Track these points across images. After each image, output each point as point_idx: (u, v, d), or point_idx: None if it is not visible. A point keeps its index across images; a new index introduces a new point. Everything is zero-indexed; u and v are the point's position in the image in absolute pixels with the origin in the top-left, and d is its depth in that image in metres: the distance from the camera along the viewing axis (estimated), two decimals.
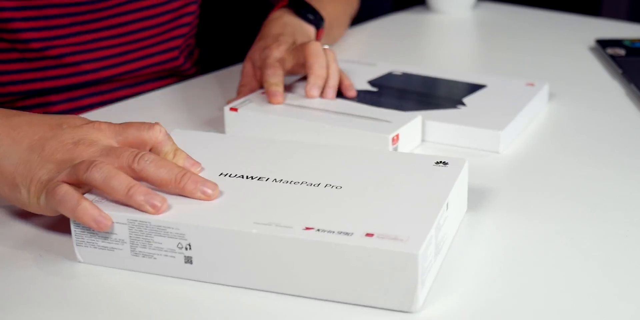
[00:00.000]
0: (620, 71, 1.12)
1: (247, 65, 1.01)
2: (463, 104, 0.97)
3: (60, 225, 0.75)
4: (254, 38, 1.06)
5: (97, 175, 0.67)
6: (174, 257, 0.67)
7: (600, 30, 1.32)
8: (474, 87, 1.02)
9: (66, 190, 0.67)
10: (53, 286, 0.67)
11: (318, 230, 0.64)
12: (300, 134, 0.90)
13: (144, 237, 0.67)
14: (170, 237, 0.66)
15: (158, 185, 0.69)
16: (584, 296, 0.66)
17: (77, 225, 0.68)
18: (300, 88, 0.99)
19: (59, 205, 0.67)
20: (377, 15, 1.43)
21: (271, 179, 0.72)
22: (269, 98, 0.93)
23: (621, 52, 1.19)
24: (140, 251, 0.67)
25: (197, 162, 0.73)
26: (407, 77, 1.05)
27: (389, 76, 1.06)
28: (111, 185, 0.67)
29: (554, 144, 0.93)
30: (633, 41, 1.23)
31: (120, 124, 0.73)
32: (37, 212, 0.72)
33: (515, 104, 0.96)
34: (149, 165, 0.68)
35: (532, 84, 1.02)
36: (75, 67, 1.08)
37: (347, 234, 0.63)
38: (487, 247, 0.73)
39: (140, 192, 0.66)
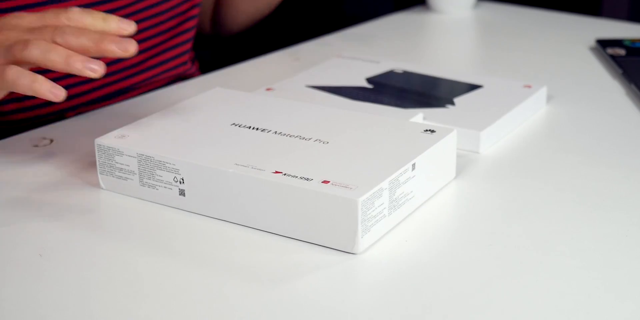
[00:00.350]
0: (620, 71, 1.12)
1: None
2: (452, 103, 0.97)
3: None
4: (251, 37, 1.05)
5: (34, 51, 0.71)
6: (171, 189, 0.77)
7: (600, 30, 1.32)
8: (471, 87, 1.02)
9: (17, 69, 0.72)
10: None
11: (284, 174, 0.73)
12: None
13: (149, 169, 0.78)
14: (168, 171, 0.77)
15: (82, 53, 0.73)
16: (583, 296, 0.66)
17: (101, 154, 0.80)
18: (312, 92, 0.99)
19: (14, 85, 0.72)
20: (378, 15, 1.44)
21: (272, 131, 0.81)
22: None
23: (621, 52, 1.19)
24: (146, 182, 0.78)
25: (131, 22, 0.75)
26: (407, 75, 1.05)
27: (390, 74, 1.06)
28: (50, 58, 0.71)
29: (550, 145, 0.93)
30: (633, 41, 1.23)
31: (38, 12, 0.76)
32: None
33: (504, 105, 0.96)
34: (70, 37, 0.72)
35: (529, 86, 1.02)
36: (89, 84, 1.06)
37: (307, 179, 0.72)
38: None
39: (78, 60, 0.71)
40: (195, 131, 0.81)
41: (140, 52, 1.10)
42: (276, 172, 0.73)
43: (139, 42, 1.09)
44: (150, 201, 0.79)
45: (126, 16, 1.07)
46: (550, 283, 0.68)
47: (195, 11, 1.16)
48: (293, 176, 0.72)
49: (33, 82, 0.71)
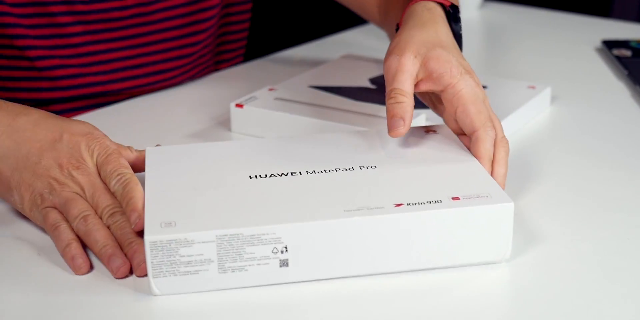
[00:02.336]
0: (625, 72, 1.12)
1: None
2: None
3: None
4: (256, 37, 1.03)
5: (81, 227, 0.71)
6: (267, 263, 0.66)
7: (608, 31, 1.31)
8: None
9: (63, 228, 0.71)
10: None
11: (408, 204, 0.67)
12: (305, 130, 0.90)
13: (234, 250, 0.65)
14: (265, 244, 0.65)
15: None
16: (585, 299, 0.66)
17: (155, 256, 0.65)
18: (300, 83, 0.98)
19: (51, 234, 0.72)
20: None
21: (303, 172, 0.73)
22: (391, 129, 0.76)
23: (627, 53, 1.18)
24: (229, 267, 0.66)
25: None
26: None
27: None
28: (90, 240, 0.70)
29: (553, 145, 0.93)
30: None
31: (106, 152, 0.74)
32: (27, 216, 0.75)
33: (508, 105, 0.96)
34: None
35: (533, 87, 1.01)
36: (81, 79, 1.04)
37: (437, 202, 0.68)
38: None
39: (108, 253, 0.69)
40: (236, 195, 0.70)
41: (136, 56, 1.07)
42: (397, 205, 0.67)
43: (139, 46, 1.07)
44: (233, 288, 0.67)
45: (131, 17, 1.05)
46: (548, 285, 0.67)
47: (209, 13, 1.12)
48: (420, 203, 0.67)
49: (67, 244, 0.70)
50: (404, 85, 0.75)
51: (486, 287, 0.68)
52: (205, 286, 0.66)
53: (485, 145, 0.75)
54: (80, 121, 0.76)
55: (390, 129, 0.74)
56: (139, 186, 0.71)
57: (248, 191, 0.70)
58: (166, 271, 0.65)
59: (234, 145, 0.79)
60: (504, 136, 0.76)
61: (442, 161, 0.75)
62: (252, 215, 0.67)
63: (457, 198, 0.68)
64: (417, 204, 0.67)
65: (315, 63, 1.16)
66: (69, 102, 1.06)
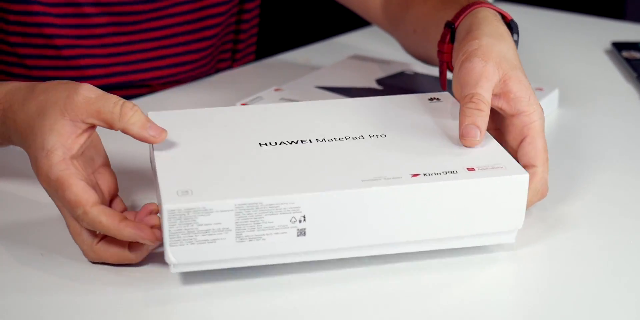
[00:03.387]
0: (635, 75, 1.11)
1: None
2: None
3: None
4: (263, 37, 1.03)
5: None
6: (285, 233, 0.66)
7: (619, 33, 1.30)
8: None
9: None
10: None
11: (425, 174, 0.67)
12: None
13: (253, 219, 0.65)
14: (283, 213, 0.65)
15: None
16: (583, 299, 0.66)
17: (173, 224, 0.64)
18: (306, 84, 0.98)
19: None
20: None
21: (312, 140, 0.73)
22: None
23: (637, 55, 1.17)
24: (247, 236, 0.65)
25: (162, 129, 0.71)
26: (417, 77, 1.05)
27: (400, 75, 1.05)
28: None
29: (560, 148, 0.92)
30: None
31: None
32: None
33: None
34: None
35: (540, 89, 1.01)
36: (106, 69, 1.06)
37: (453, 172, 0.68)
38: None
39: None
40: (249, 163, 0.70)
41: (159, 48, 1.09)
42: (414, 175, 0.67)
43: (161, 38, 1.08)
44: (249, 257, 0.67)
45: (155, 10, 1.06)
46: (549, 288, 0.67)
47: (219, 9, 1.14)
48: (436, 174, 0.68)
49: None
50: (487, 93, 0.73)
51: (489, 284, 0.68)
52: (222, 255, 0.66)
53: (540, 182, 0.74)
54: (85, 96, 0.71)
55: (464, 136, 0.71)
56: None
57: (260, 159, 0.70)
58: (183, 240, 0.64)
59: (239, 110, 0.79)
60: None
61: (451, 130, 0.74)
62: (270, 184, 0.66)
63: (472, 169, 0.68)
64: (433, 175, 0.67)
65: (322, 64, 1.15)
66: None
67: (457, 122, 0.74)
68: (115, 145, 0.77)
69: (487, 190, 0.68)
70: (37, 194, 0.73)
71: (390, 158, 0.70)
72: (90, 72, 1.05)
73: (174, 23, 1.08)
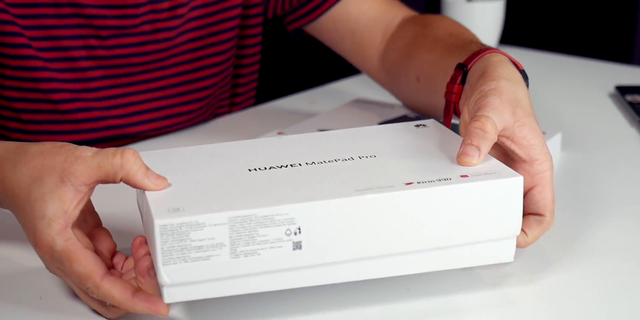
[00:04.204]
0: (638, 119, 1.11)
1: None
2: None
3: None
4: (267, 80, 1.03)
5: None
6: (281, 246, 0.64)
7: (623, 77, 1.30)
8: None
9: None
10: None
11: (418, 182, 0.67)
12: None
13: (247, 233, 0.64)
14: (278, 225, 0.64)
15: None
16: None
17: (165, 241, 0.63)
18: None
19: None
20: None
21: (302, 163, 0.72)
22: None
23: None
24: (242, 251, 0.64)
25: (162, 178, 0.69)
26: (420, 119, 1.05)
27: (403, 119, 1.05)
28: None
29: (562, 193, 0.91)
30: None
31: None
32: None
33: None
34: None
35: (543, 132, 1.00)
36: (102, 122, 1.06)
37: (446, 179, 0.67)
38: None
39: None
40: (240, 184, 0.69)
41: (155, 99, 1.08)
42: (407, 183, 0.67)
43: (157, 89, 1.07)
44: (245, 274, 0.65)
45: (152, 62, 1.06)
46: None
47: (216, 59, 1.13)
48: (429, 181, 0.67)
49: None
50: (497, 120, 0.72)
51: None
52: (217, 273, 0.64)
53: (544, 231, 0.74)
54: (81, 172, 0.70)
55: (463, 154, 0.70)
56: None
57: (251, 181, 0.69)
58: (176, 258, 0.63)
59: (226, 146, 0.78)
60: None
61: (441, 149, 0.74)
62: (263, 197, 0.65)
63: (466, 176, 0.68)
64: (427, 182, 0.67)
65: (322, 108, 1.16)
66: (89, 145, 1.06)
67: (447, 143, 0.74)
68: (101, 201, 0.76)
69: (482, 195, 0.67)
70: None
71: (382, 171, 0.70)
72: (86, 125, 1.05)
73: (170, 74, 1.08)
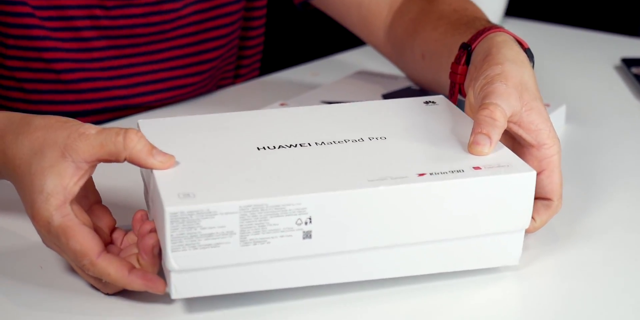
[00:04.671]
0: None
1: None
2: None
3: None
4: (271, 52, 1.02)
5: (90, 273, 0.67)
6: (291, 235, 0.64)
7: (629, 49, 1.29)
8: None
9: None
10: None
11: (431, 173, 0.66)
12: None
13: (257, 222, 0.63)
14: (289, 215, 0.63)
15: None
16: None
17: (175, 228, 0.62)
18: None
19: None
20: None
21: (312, 143, 0.71)
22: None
23: None
24: (251, 239, 0.63)
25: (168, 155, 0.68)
26: (423, 92, 1.04)
27: (407, 91, 1.05)
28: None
29: (566, 165, 0.91)
30: None
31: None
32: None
33: None
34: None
35: (547, 105, 1.00)
36: (105, 92, 1.05)
37: (459, 171, 0.66)
38: None
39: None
40: (249, 166, 0.68)
41: (158, 70, 1.08)
42: (420, 174, 0.66)
43: (161, 61, 1.07)
44: (254, 262, 0.65)
45: (157, 33, 1.05)
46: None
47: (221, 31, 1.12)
48: (442, 173, 0.66)
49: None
50: (506, 107, 0.71)
51: (492, 304, 0.67)
52: (226, 260, 0.64)
53: (552, 215, 0.74)
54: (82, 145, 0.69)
55: (474, 143, 0.69)
56: None
57: (260, 162, 0.68)
58: (186, 245, 0.62)
59: (233, 116, 0.77)
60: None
61: (452, 132, 0.73)
62: (274, 186, 0.65)
63: (479, 168, 0.67)
64: (440, 174, 0.66)
65: (326, 80, 1.15)
66: (92, 115, 1.07)
67: (457, 126, 0.73)
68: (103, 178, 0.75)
69: (495, 189, 0.67)
70: None
71: (393, 159, 0.69)
72: (89, 95, 1.04)
73: (175, 46, 1.07)
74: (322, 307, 0.67)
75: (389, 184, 0.65)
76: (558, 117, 1.00)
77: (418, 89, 1.05)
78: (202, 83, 1.12)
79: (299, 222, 0.64)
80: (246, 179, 0.66)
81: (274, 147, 0.70)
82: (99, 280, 0.67)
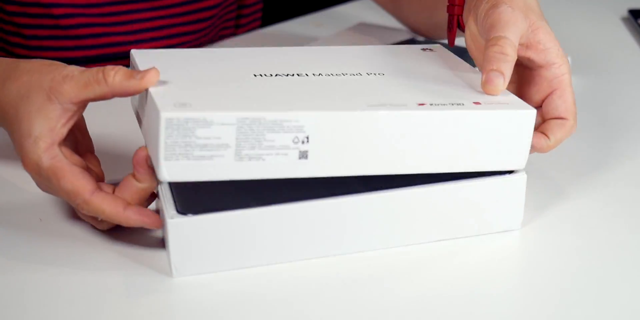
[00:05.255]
0: None
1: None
2: None
3: None
4: (274, 3, 1.01)
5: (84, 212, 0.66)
6: (286, 154, 0.63)
7: (637, 1, 1.28)
8: None
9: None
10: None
11: (431, 104, 0.65)
12: None
13: (254, 136, 0.62)
14: (286, 132, 0.62)
15: None
16: (587, 271, 0.64)
17: (170, 135, 0.61)
18: None
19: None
20: None
21: (309, 74, 0.70)
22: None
23: None
24: (246, 154, 0.62)
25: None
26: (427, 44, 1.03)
27: (411, 42, 1.03)
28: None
29: None
30: None
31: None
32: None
33: None
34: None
35: None
36: (104, 38, 1.04)
37: (459, 104, 0.65)
38: None
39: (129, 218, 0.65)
40: (247, 87, 0.67)
41: (158, 18, 1.07)
42: (420, 104, 0.65)
43: (161, 8, 1.06)
44: (247, 178, 0.63)
45: None
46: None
47: None
48: (442, 104, 0.65)
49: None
50: (514, 38, 0.70)
51: (494, 254, 0.67)
52: (219, 174, 0.62)
53: (568, 135, 0.72)
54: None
55: (487, 83, 0.68)
56: None
57: (257, 85, 0.67)
58: (179, 154, 0.61)
59: (230, 50, 0.76)
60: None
61: (451, 72, 0.72)
62: (272, 102, 0.64)
63: (478, 103, 0.66)
64: (440, 105, 0.65)
65: (330, 31, 1.14)
66: (92, 63, 1.06)
67: (455, 68, 0.72)
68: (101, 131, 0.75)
69: (493, 124, 0.66)
70: None
71: (392, 90, 0.68)
72: (88, 41, 1.04)
73: None
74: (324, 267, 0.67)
75: (389, 109, 0.64)
76: None
77: (423, 40, 1.04)
78: (203, 32, 1.11)
79: (295, 140, 0.63)
80: (244, 96, 0.64)
81: (271, 75, 0.69)
82: (95, 218, 0.67)
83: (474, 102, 0.66)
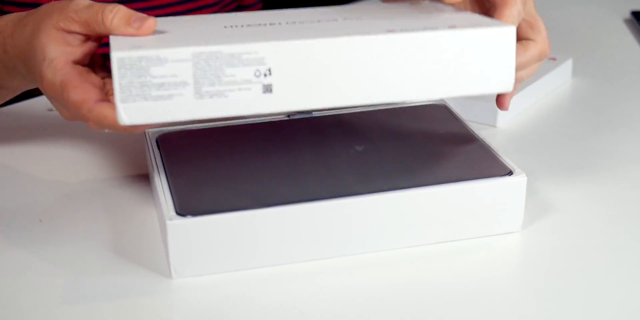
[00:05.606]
0: None
1: None
2: None
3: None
4: None
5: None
6: (249, 89, 0.60)
7: (639, 2, 1.27)
8: None
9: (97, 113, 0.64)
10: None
11: (401, 30, 0.62)
12: None
13: (213, 72, 0.60)
14: (246, 65, 0.60)
15: None
16: (588, 272, 0.64)
17: (124, 75, 0.58)
18: None
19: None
20: None
21: (282, 23, 0.67)
22: None
23: None
24: (207, 91, 0.60)
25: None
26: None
27: None
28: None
29: (571, 120, 0.90)
30: None
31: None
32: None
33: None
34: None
35: (554, 58, 0.99)
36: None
37: (433, 28, 0.63)
38: None
39: None
40: (212, 34, 0.64)
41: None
42: (389, 30, 0.62)
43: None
44: (211, 117, 0.61)
45: None
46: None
47: None
48: (414, 30, 0.62)
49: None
50: None
51: (494, 256, 0.67)
52: (181, 114, 0.60)
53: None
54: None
55: None
56: None
57: (223, 33, 0.64)
58: (136, 95, 0.59)
59: (206, 16, 0.73)
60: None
61: (434, 12, 0.70)
62: (230, 36, 0.62)
63: (454, 26, 0.63)
64: (410, 30, 0.62)
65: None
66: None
67: (439, 11, 0.71)
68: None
69: (471, 45, 0.63)
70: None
71: (365, 24, 0.65)
72: None
73: None
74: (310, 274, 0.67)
75: (353, 35, 0.61)
76: (564, 70, 0.99)
77: None
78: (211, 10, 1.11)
79: (257, 73, 0.60)
80: (202, 36, 0.63)
81: (242, 26, 0.67)
82: (102, 128, 0.65)
83: (449, 26, 0.63)
